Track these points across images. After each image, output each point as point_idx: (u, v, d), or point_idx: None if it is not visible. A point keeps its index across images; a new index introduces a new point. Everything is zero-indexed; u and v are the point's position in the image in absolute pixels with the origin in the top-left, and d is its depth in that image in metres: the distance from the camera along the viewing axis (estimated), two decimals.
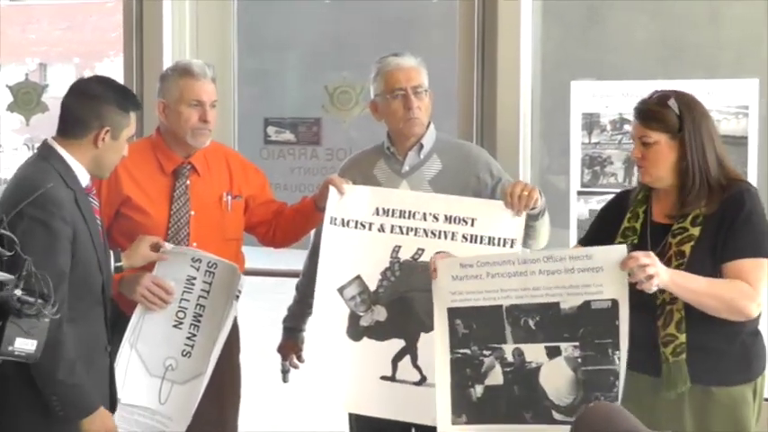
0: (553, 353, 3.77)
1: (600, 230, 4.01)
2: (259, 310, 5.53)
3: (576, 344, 3.73)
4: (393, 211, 4.21)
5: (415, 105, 4.31)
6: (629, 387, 3.69)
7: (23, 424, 3.80)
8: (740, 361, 3.76)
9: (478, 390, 3.89)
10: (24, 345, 3.13)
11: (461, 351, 3.91)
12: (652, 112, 3.81)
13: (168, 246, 4.29)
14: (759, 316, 3.80)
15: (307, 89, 6.15)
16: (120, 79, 5.50)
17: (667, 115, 3.79)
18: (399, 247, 4.17)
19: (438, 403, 3.93)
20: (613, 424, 2.49)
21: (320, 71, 5.94)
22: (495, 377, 3.87)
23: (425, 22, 5.98)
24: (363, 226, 4.24)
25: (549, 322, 3.77)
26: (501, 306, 3.83)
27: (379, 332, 4.22)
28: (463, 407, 3.92)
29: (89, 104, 3.87)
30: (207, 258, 4.31)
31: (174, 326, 4.33)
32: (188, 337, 4.33)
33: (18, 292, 3.09)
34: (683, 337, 3.69)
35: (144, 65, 5.56)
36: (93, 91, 3.91)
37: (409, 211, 4.20)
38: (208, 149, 4.52)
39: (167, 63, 5.40)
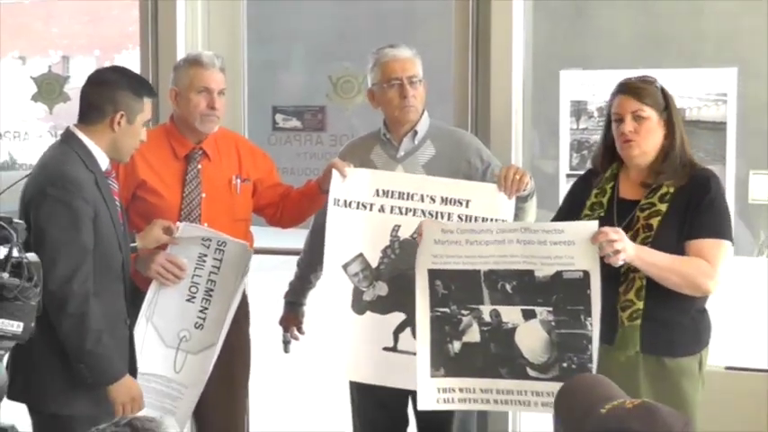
0: (528, 315, 3.90)
1: (570, 210, 4.12)
2: (266, 285, 5.71)
3: (550, 309, 3.84)
4: (393, 192, 4.31)
5: (410, 94, 4.42)
6: None
7: (49, 389, 3.94)
8: (690, 334, 3.92)
9: (456, 346, 4.02)
10: (9, 326, 3.10)
11: (441, 310, 4.03)
12: (644, 89, 3.94)
13: (180, 225, 4.42)
14: (705, 298, 3.95)
15: (312, 79, 6.19)
16: (137, 70, 5.53)
17: (656, 93, 3.95)
18: (399, 226, 4.27)
19: (418, 357, 4.05)
20: (596, 392, 2.47)
21: (324, 62, 6.00)
22: (473, 335, 3.99)
23: (423, 14, 6.01)
24: (365, 207, 4.33)
25: (524, 287, 3.88)
26: (479, 270, 3.93)
27: (380, 306, 4.34)
28: (441, 361, 4.04)
29: (104, 91, 4.02)
30: (216, 238, 4.44)
31: (188, 300, 4.47)
32: (200, 311, 4.47)
33: (5, 276, 3.09)
34: (640, 304, 3.82)
35: (159, 56, 5.64)
36: (107, 78, 4.07)
37: (408, 193, 4.30)
38: (218, 136, 4.64)
39: (180, 54, 5.47)
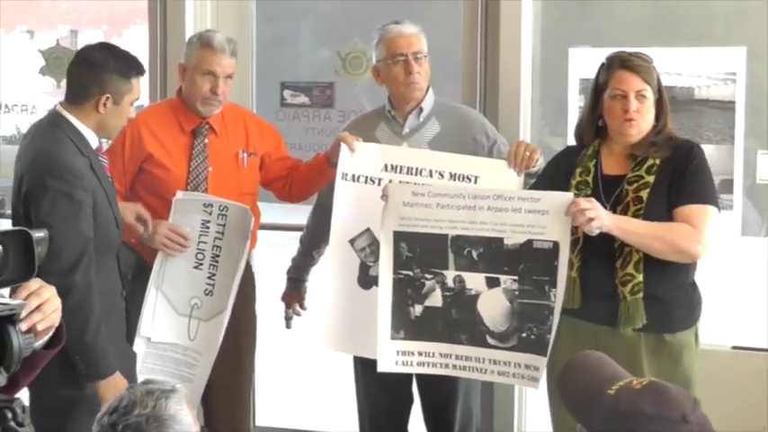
0: (492, 283, 3.93)
1: (550, 187, 4.01)
2: (273, 261, 5.73)
3: (515, 278, 3.87)
4: (401, 167, 4.30)
5: (416, 70, 4.41)
6: (589, 338, 3.86)
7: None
8: (686, 308, 3.96)
9: (418, 309, 4.05)
10: None
11: (404, 272, 4.05)
12: (646, 68, 3.95)
13: (180, 194, 4.44)
14: (695, 270, 3.98)
15: (320, 55, 6.20)
16: (145, 45, 5.66)
17: (654, 72, 3.97)
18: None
19: (379, 319, 4.08)
20: (600, 372, 2.49)
21: (333, 38, 5.97)
22: (435, 299, 4.02)
23: None
24: (373, 181, 4.31)
25: (491, 255, 3.92)
26: (447, 235, 3.96)
27: None
28: (402, 324, 4.08)
29: (91, 72, 4.02)
30: (218, 203, 4.45)
31: (195, 267, 4.49)
32: (209, 277, 4.48)
33: None
34: (640, 277, 3.84)
35: (167, 32, 5.61)
36: (94, 59, 4.05)
37: (416, 168, 4.29)
38: (226, 110, 4.65)
39: (189, 30, 5.48)
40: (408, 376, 4.56)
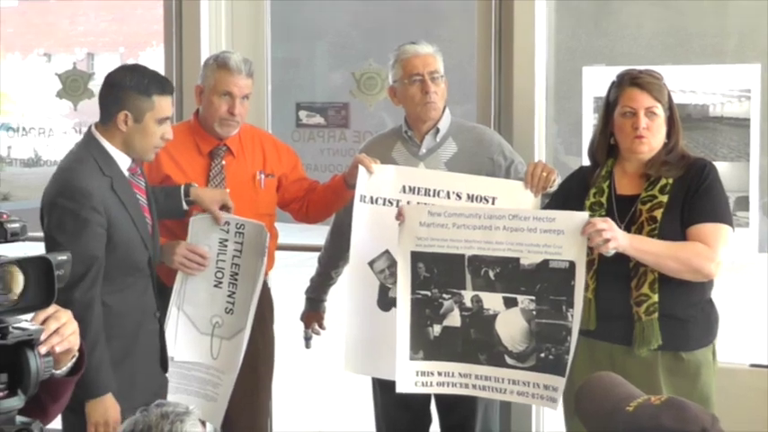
0: (510, 303, 3.93)
1: (564, 207, 4.01)
2: (291, 282, 5.75)
3: (533, 297, 3.86)
4: (419, 189, 4.30)
5: (432, 90, 4.42)
6: (604, 358, 3.87)
7: None
8: (702, 326, 3.95)
9: (436, 329, 4.06)
10: None
11: (422, 292, 4.06)
12: (656, 85, 3.95)
13: (192, 218, 4.44)
14: (711, 288, 3.98)
15: (335, 75, 6.19)
16: (161, 68, 5.66)
17: (664, 90, 3.97)
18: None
19: (398, 340, 4.08)
20: (616, 391, 2.50)
21: (348, 58, 6.00)
22: (453, 319, 4.03)
23: (446, 11, 5.97)
24: (391, 203, 4.31)
25: (508, 275, 3.92)
26: (463, 255, 3.97)
27: None
28: (421, 344, 4.08)
29: (110, 91, 4.06)
30: (235, 221, 4.45)
31: (215, 286, 4.49)
32: (228, 295, 4.48)
33: None
34: (655, 297, 3.83)
35: (183, 54, 5.64)
36: (113, 78, 4.09)
37: (434, 190, 4.30)
38: (243, 131, 4.66)
39: (204, 52, 5.52)
40: (427, 396, 4.57)
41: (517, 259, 3.89)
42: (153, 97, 4.04)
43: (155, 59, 6.19)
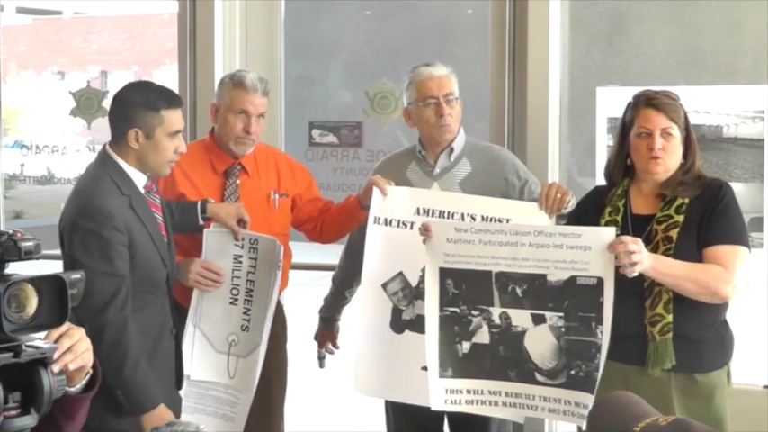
0: (538, 320, 3.89)
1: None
2: (305, 301, 5.74)
3: (561, 314, 3.83)
4: (433, 211, 4.28)
5: (447, 113, 4.40)
6: (618, 378, 3.84)
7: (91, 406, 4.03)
8: (717, 347, 3.93)
9: (465, 346, 4.02)
10: None
11: (450, 309, 4.02)
12: (672, 106, 3.95)
13: (210, 227, 4.44)
14: (726, 309, 3.97)
15: (349, 94, 6.21)
16: (175, 86, 5.68)
17: (680, 110, 3.97)
18: None
19: (427, 358, 4.03)
20: (629, 411, 2.48)
21: (361, 77, 6.00)
22: (482, 336, 3.99)
23: (460, 30, 5.97)
24: (405, 225, 4.31)
25: (535, 291, 3.88)
26: (491, 272, 3.93)
27: (420, 325, 4.25)
28: (450, 361, 4.03)
29: (119, 110, 4.06)
30: (248, 236, 4.44)
31: (231, 303, 4.48)
32: (244, 312, 4.47)
33: None
34: (669, 317, 3.83)
35: (197, 72, 5.68)
36: (121, 97, 4.09)
37: (448, 212, 4.28)
38: (257, 151, 4.66)
39: (218, 70, 5.55)
40: (440, 415, 4.54)
41: (544, 276, 3.85)
42: (161, 112, 4.02)
43: (168, 77, 6.20)
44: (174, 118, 4.07)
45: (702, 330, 3.92)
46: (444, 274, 4.03)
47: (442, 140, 4.49)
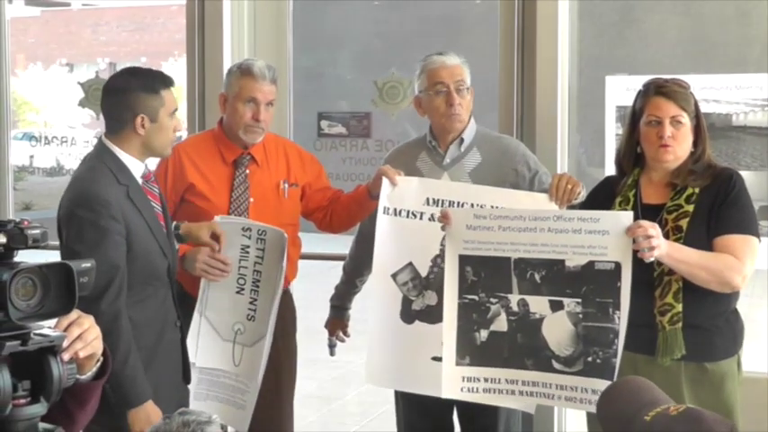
0: (556, 306, 3.87)
1: None
2: (314, 291, 5.75)
3: (579, 300, 3.81)
4: (443, 201, 4.27)
5: (457, 102, 4.39)
6: (628, 367, 3.81)
7: None
8: (727, 336, 3.93)
9: (483, 334, 3.99)
10: None
11: (469, 297, 4.00)
12: (682, 94, 3.94)
13: (218, 218, 4.43)
14: (736, 298, 3.97)
15: (357, 85, 6.20)
16: (184, 77, 5.69)
17: (691, 99, 3.96)
18: None
19: (444, 345, 4.03)
20: (640, 397, 2.50)
21: (370, 68, 6.00)
22: (500, 324, 3.97)
23: (469, 21, 5.99)
24: (415, 215, 4.31)
25: (553, 278, 3.86)
26: (509, 258, 3.92)
27: (430, 315, 4.30)
28: (467, 349, 4.02)
29: (118, 99, 4.03)
30: (256, 227, 4.44)
31: (237, 292, 4.47)
32: (250, 302, 4.46)
33: None
34: (679, 307, 3.83)
35: (206, 64, 5.67)
36: (117, 85, 4.07)
37: (458, 202, 4.26)
38: (266, 141, 4.67)
39: (227, 62, 5.54)
40: (449, 406, 4.55)
41: (562, 261, 3.85)
42: (161, 92, 4.02)
43: (177, 69, 6.21)
44: (171, 97, 4.07)
45: (713, 320, 3.91)
46: (464, 261, 4.01)
47: (451, 129, 4.48)
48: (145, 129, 4.00)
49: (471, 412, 4.49)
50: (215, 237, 4.36)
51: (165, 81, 4.08)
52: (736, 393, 3.95)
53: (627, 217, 3.78)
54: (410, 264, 4.35)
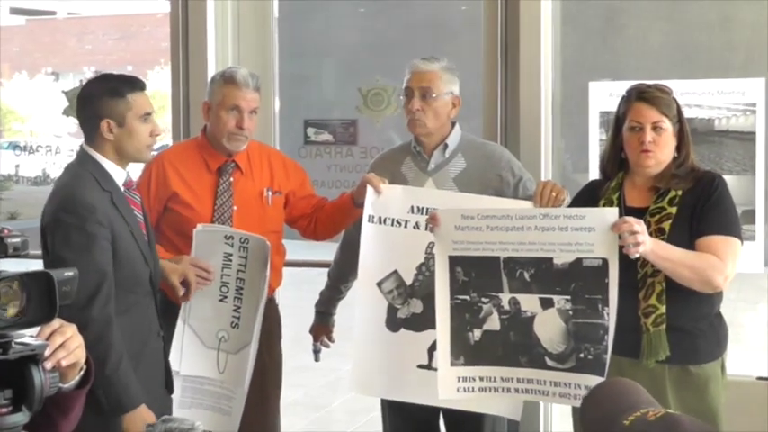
0: (546, 304, 3.88)
1: None
2: (299, 299, 5.76)
3: (568, 297, 3.82)
4: (428, 209, 4.22)
5: (416, 107, 4.39)
6: (613, 370, 3.81)
7: None
8: (711, 339, 3.94)
9: (476, 334, 3.99)
10: None
11: (461, 297, 4.00)
12: (663, 99, 3.95)
13: (200, 226, 4.42)
14: (720, 301, 3.99)
15: (343, 92, 6.19)
16: (168, 86, 5.73)
17: (673, 104, 3.97)
18: (434, 243, 4.09)
19: (438, 346, 4.02)
20: (622, 400, 2.43)
21: (355, 75, 6.02)
22: (493, 323, 3.97)
23: (453, 27, 5.99)
24: (399, 223, 4.30)
25: (542, 275, 3.87)
26: (498, 257, 3.92)
27: (415, 323, 4.31)
28: (461, 349, 4.01)
29: (85, 106, 4.03)
30: (239, 235, 4.43)
31: (220, 300, 4.46)
32: (234, 310, 4.46)
33: None
34: (663, 308, 3.84)
35: (189, 71, 5.65)
36: (84, 93, 4.07)
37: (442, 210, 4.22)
38: (251, 148, 4.66)
39: (211, 69, 5.53)
40: (435, 413, 4.55)
41: (550, 259, 3.86)
42: (127, 96, 3.99)
43: (163, 77, 6.22)
44: (142, 101, 4.03)
45: (696, 322, 3.93)
46: (454, 262, 4.01)
47: (413, 132, 4.49)
48: (113, 134, 3.98)
49: (457, 418, 4.49)
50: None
51: (134, 85, 4.06)
52: (721, 396, 3.97)
53: (612, 213, 3.80)
54: (395, 272, 4.35)
